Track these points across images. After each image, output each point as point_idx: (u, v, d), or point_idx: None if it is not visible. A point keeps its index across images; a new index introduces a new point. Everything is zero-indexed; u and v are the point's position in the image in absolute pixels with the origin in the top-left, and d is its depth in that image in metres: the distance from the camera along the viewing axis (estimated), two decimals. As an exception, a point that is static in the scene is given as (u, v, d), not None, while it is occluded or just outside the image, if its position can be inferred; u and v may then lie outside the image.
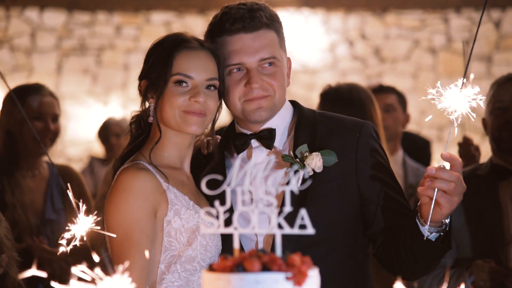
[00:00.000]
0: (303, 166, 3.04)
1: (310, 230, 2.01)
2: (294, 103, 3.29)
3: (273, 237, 3.03)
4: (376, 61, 10.33)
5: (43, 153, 4.78)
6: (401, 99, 5.95)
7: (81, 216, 2.46)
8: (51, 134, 4.74)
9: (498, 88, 4.12)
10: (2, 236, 3.52)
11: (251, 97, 3.09)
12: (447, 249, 2.90)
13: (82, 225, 2.39)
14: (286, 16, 10.03)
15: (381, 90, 5.99)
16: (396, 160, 5.86)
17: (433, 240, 2.86)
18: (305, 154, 3.06)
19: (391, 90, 6.00)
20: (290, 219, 2.03)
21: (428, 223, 2.80)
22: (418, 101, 8.72)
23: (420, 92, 9.79)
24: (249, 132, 3.18)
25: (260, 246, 3.08)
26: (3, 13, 10.07)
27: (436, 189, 2.73)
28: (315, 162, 3.04)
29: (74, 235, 2.46)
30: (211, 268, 2.02)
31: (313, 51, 10.25)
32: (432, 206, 2.76)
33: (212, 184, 2.11)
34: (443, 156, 2.73)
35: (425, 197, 2.78)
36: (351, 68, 10.31)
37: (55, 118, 4.83)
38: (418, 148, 6.22)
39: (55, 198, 4.77)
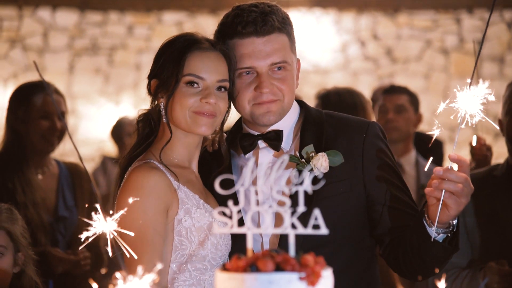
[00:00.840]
0: (309, 168, 3.03)
1: (323, 230, 2.01)
2: (300, 103, 3.29)
3: (278, 237, 3.04)
4: (388, 62, 10.31)
5: (51, 151, 4.78)
6: (413, 100, 5.95)
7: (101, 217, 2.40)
8: (58, 132, 4.72)
9: None
10: (18, 234, 3.54)
11: (260, 101, 3.09)
12: (455, 250, 2.89)
13: (107, 225, 2.35)
14: (298, 16, 10.03)
15: (393, 90, 5.99)
16: (409, 161, 5.86)
17: (441, 241, 2.85)
18: (311, 155, 3.06)
19: (402, 90, 6.00)
20: (299, 219, 2.04)
21: (436, 225, 2.79)
22: (430, 101, 8.71)
23: (432, 93, 9.79)
24: (256, 133, 3.18)
25: (266, 246, 3.09)
26: (15, 12, 10.11)
27: (443, 190, 2.72)
28: (321, 162, 3.04)
29: (101, 236, 2.39)
30: (224, 268, 2.02)
31: (325, 51, 10.24)
32: (440, 208, 2.74)
33: (223, 184, 2.12)
34: (450, 157, 2.72)
35: (432, 198, 2.76)
36: (363, 68, 10.30)
37: (62, 116, 4.82)
38: (430, 149, 6.20)
39: (66, 195, 4.78)
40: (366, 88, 9.82)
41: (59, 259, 4.50)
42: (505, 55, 10.10)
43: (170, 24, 10.27)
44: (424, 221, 2.84)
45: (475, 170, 4.31)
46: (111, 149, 8.36)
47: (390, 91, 5.97)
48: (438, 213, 2.75)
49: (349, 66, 10.31)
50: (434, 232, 2.82)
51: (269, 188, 2.10)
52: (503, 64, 10.07)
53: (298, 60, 3.23)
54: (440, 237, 2.84)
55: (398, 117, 5.82)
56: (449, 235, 2.85)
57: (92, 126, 10.04)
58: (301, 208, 2.03)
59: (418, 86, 9.48)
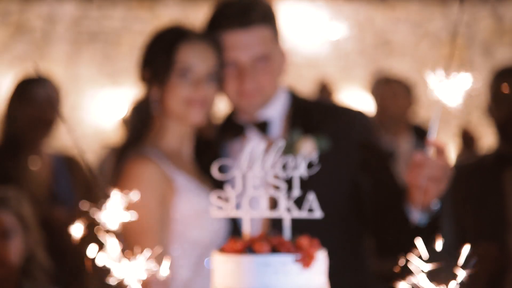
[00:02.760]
0: (295, 153, 3.07)
1: (317, 214, 2.08)
2: (290, 91, 3.31)
3: (267, 221, 3.04)
4: (382, 52, 10.35)
5: (43, 141, 4.80)
6: (408, 88, 6.08)
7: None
8: (52, 123, 4.75)
9: (501, 77, 4.10)
10: (28, 217, 3.56)
11: (242, 93, 3.13)
12: (436, 233, 2.90)
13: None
14: (291, 6, 10.03)
15: (388, 78, 6.18)
16: (404, 148, 5.95)
17: (422, 224, 2.84)
18: (297, 141, 3.09)
19: (397, 78, 6.19)
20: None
21: (416, 209, 2.78)
22: (424, 92, 8.78)
23: (426, 83, 9.77)
24: (245, 121, 3.22)
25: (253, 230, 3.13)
26: (16, 2, 10.11)
27: (422, 176, 2.69)
28: (307, 148, 3.08)
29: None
30: (221, 250, 2.07)
31: (319, 42, 10.26)
32: (419, 193, 2.72)
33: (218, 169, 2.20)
34: (428, 142, 2.69)
35: (411, 183, 2.75)
36: (357, 59, 10.33)
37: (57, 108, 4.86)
38: (422, 138, 6.29)
39: (62, 181, 4.79)
40: (360, 79, 9.87)
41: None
42: (495, 45, 10.14)
43: (172, 8, 10.21)
44: (405, 205, 2.85)
45: (466, 161, 4.37)
46: (111, 139, 8.37)
47: (386, 79, 6.14)
48: (418, 199, 2.74)
49: (343, 57, 10.34)
50: (415, 216, 2.81)
51: (265, 173, 2.17)
52: (493, 54, 10.11)
53: (284, 51, 3.27)
54: (422, 220, 2.84)
55: (393, 103, 5.94)
56: (430, 218, 2.85)
57: (92, 116, 10.05)
58: (296, 193, 2.11)
59: (412, 76, 9.53)
